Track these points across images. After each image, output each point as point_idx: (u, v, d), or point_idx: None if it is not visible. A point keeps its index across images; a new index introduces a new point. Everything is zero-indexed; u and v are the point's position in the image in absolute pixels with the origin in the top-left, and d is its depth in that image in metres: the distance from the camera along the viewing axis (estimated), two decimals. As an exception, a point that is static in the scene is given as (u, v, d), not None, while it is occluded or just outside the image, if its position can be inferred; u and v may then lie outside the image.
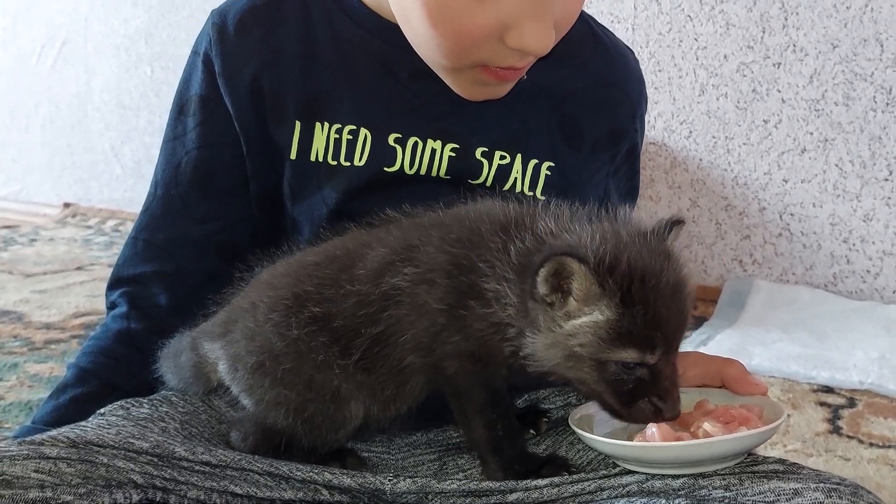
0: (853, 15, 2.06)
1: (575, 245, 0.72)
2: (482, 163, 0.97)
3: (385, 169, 0.96)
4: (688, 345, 1.68)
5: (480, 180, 0.98)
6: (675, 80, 2.29)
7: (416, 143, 0.96)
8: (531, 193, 0.99)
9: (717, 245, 2.33)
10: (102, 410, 0.87)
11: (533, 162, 0.99)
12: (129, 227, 3.30)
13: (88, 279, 2.42)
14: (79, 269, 2.57)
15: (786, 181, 2.21)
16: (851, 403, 1.67)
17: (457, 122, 0.96)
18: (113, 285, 1.04)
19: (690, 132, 2.30)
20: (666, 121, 2.32)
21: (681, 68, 2.28)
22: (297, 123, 0.96)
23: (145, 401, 0.90)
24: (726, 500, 0.70)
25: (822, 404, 1.67)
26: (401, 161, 0.96)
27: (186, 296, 1.01)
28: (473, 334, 0.76)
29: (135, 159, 3.44)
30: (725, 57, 2.22)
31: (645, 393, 0.73)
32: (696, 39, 2.25)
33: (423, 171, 0.96)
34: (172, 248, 1.01)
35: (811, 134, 2.16)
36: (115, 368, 0.99)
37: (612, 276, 0.70)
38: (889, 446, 1.49)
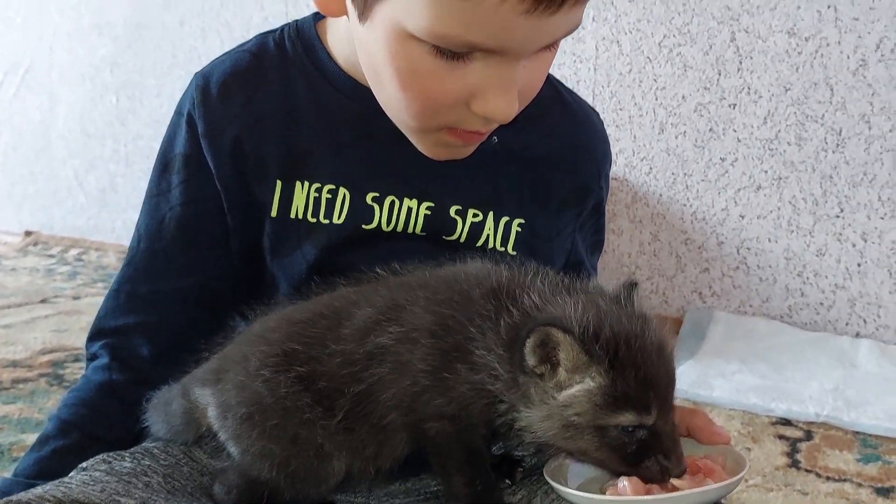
0: (804, 60, 2.15)
1: (559, 316, 0.74)
2: (456, 220, 1.01)
3: (363, 227, 0.99)
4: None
5: (455, 237, 1.02)
6: (635, 119, 2.36)
7: (393, 202, 1.00)
8: (503, 249, 1.03)
9: (677, 277, 2.39)
10: (85, 465, 0.89)
11: (504, 219, 1.03)
12: (92, 255, 3.30)
13: (53, 313, 2.41)
14: (43, 301, 2.56)
15: (742, 217, 2.29)
16: (808, 436, 1.74)
17: (432, 181, 1.00)
18: (94, 336, 1.06)
19: (651, 168, 2.37)
20: (627, 157, 2.39)
21: (641, 107, 2.35)
22: (279, 182, 0.99)
23: (127, 454, 0.91)
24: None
25: (781, 437, 1.73)
26: (378, 219, 0.99)
27: (168, 346, 1.03)
28: (456, 398, 0.78)
29: (99, 187, 3.44)
30: (683, 97, 2.30)
31: (649, 452, 0.75)
32: (655, 80, 2.33)
33: (399, 229, 1.00)
34: (155, 300, 1.04)
35: (766, 172, 2.24)
36: (96, 420, 1.01)
37: (598, 343, 0.73)
38: (844, 479, 1.55)
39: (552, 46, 0.87)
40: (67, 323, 2.28)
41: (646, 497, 0.77)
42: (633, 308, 0.79)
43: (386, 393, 0.81)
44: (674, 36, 2.30)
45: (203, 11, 3.10)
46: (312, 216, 0.99)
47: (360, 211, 0.99)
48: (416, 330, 0.80)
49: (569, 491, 0.80)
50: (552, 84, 1.07)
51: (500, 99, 0.85)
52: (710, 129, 2.28)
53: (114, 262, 3.16)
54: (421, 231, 1.01)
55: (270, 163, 0.99)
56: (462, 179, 1.01)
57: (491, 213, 1.02)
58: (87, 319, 2.29)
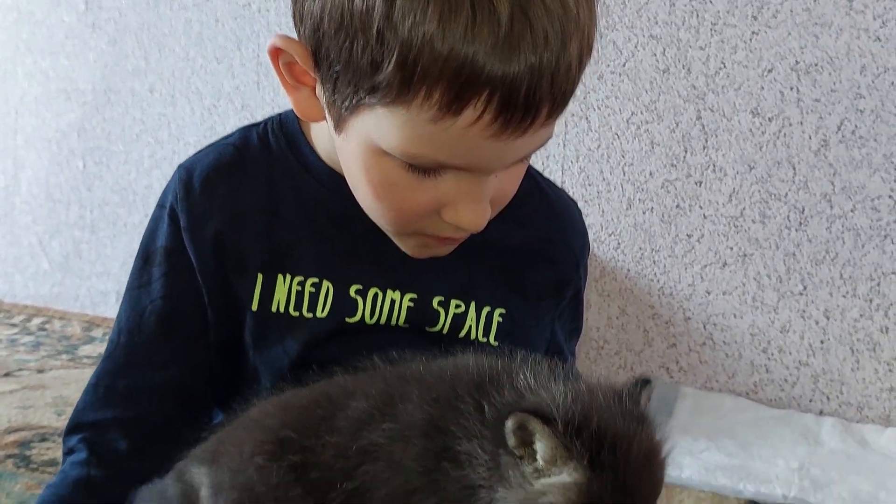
0: (767, 139, 2.22)
1: (543, 404, 0.73)
2: (439, 312, 1.02)
3: (347, 320, 1.00)
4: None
5: (437, 328, 1.03)
6: (603, 194, 2.40)
7: (376, 294, 1.01)
8: (485, 339, 1.04)
9: (644, 352, 2.41)
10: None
11: (486, 309, 1.04)
12: (55, 325, 3.25)
13: (18, 387, 2.35)
14: (7, 375, 2.49)
15: (708, 293, 2.32)
16: (777, 517, 1.75)
17: (414, 272, 1.02)
18: (72, 430, 1.04)
19: (618, 243, 2.41)
20: (595, 232, 2.42)
21: (609, 182, 2.40)
22: (259, 276, 1.00)
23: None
24: None
25: (751, 518, 1.73)
26: (362, 312, 1.00)
27: (146, 440, 1.02)
28: (448, 497, 0.76)
29: (63, 253, 3.39)
30: (651, 174, 2.35)
31: None
32: (623, 156, 2.38)
33: (382, 321, 1.01)
34: (134, 394, 1.03)
35: (731, 249, 2.29)
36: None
37: (580, 439, 0.70)
38: (814, 562, 1.56)
39: (524, 158, 0.90)
40: (32, 398, 2.23)
41: None
42: (635, 407, 0.77)
43: (379, 491, 0.78)
44: (641, 113, 2.36)
45: (173, 78, 3.11)
46: (295, 310, 1.00)
47: (343, 304, 1.00)
48: (409, 428, 0.78)
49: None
50: (531, 175, 1.09)
51: (469, 210, 0.88)
52: (677, 206, 2.33)
53: (78, 332, 3.11)
54: (404, 323, 1.02)
55: (251, 256, 1.00)
56: (444, 270, 1.03)
57: (473, 304, 1.04)
58: (52, 394, 2.28)
